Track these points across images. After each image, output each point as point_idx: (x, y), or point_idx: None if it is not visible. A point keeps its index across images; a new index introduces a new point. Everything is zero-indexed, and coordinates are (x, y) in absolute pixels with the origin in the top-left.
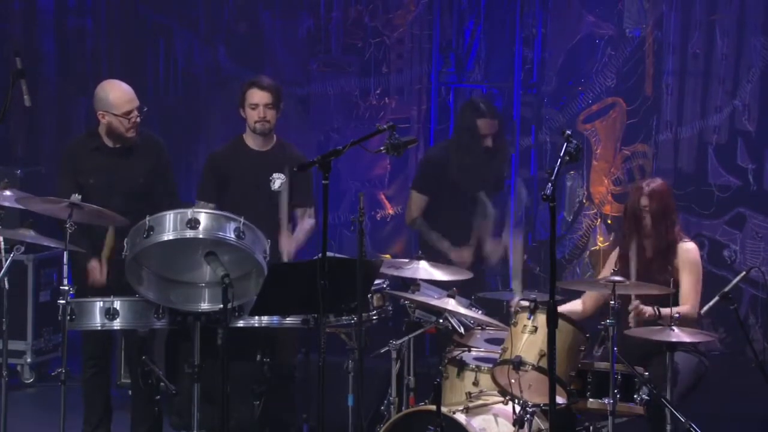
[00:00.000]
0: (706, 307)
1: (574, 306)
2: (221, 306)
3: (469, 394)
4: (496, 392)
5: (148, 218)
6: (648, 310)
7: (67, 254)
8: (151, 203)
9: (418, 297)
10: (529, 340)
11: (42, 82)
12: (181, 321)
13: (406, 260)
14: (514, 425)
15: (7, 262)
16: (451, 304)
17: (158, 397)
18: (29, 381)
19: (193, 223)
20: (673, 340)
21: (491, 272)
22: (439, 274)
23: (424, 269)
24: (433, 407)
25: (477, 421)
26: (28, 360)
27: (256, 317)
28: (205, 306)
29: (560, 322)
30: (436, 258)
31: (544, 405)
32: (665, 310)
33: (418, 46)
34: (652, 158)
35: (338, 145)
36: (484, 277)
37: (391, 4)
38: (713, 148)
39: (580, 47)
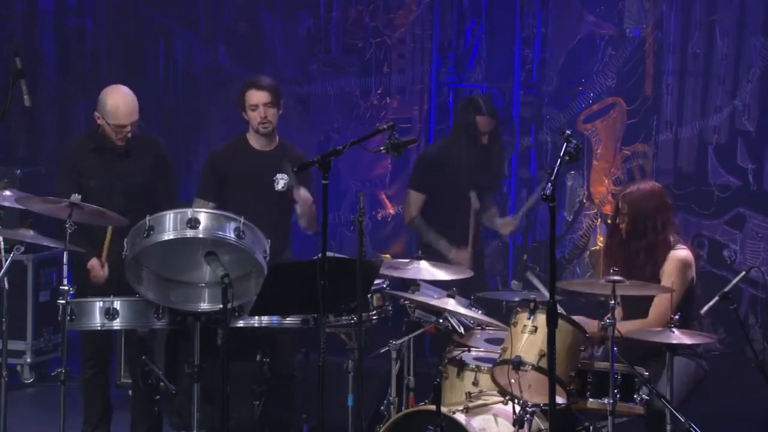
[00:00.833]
0: (706, 307)
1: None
2: (221, 306)
3: (469, 394)
4: (496, 392)
5: (148, 218)
6: (593, 331)
7: (67, 254)
8: (151, 204)
9: (418, 297)
10: (529, 340)
11: (42, 82)
12: (181, 321)
13: (406, 260)
14: (514, 425)
15: (7, 262)
16: (450, 304)
17: (158, 397)
18: (29, 381)
19: (193, 223)
20: (673, 341)
21: (491, 272)
22: (439, 274)
23: (425, 269)
24: (433, 407)
25: (477, 421)
26: (28, 360)
27: (256, 317)
28: (204, 306)
29: (560, 322)
30: (436, 258)
31: (544, 405)
32: (623, 325)
33: (419, 46)
34: (653, 158)
35: (338, 145)
36: (484, 277)
37: (392, 4)
38: (713, 148)
39: (580, 47)
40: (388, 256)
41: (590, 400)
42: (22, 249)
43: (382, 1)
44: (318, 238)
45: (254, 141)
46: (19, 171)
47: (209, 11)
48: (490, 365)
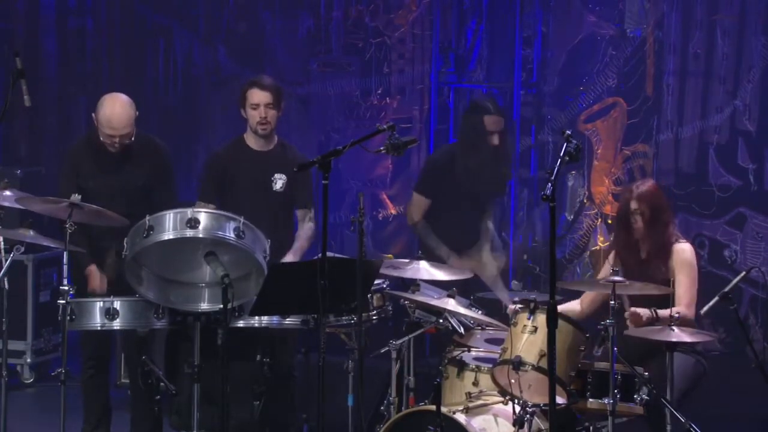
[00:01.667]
0: (706, 307)
1: (572, 306)
2: (221, 306)
3: (469, 394)
4: (496, 392)
5: (148, 218)
6: (645, 313)
7: (66, 254)
8: (150, 206)
9: (418, 297)
10: (528, 340)
11: (42, 82)
12: (180, 321)
13: (407, 260)
14: (514, 425)
15: (7, 262)
16: (450, 304)
17: (158, 397)
18: (29, 381)
19: (193, 223)
20: (673, 339)
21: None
22: (439, 274)
23: (425, 269)
24: (433, 407)
25: (477, 421)
26: (28, 360)
27: (256, 317)
28: (204, 306)
29: (560, 322)
30: (436, 260)
31: (544, 405)
32: (663, 312)
33: (420, 46)
34: (653, 158)
35: (338, 145)
36: None
37: (392, 4)
38: (714, 148)
39: (581, 47)
40: (390, 256)
41: (590, 400)
42: (22, 249)
43: (382, 1)
44: (318, 238)
45: (252, 141)
46: (19, 171)
47: (209, 11)
48: (490, 365)
